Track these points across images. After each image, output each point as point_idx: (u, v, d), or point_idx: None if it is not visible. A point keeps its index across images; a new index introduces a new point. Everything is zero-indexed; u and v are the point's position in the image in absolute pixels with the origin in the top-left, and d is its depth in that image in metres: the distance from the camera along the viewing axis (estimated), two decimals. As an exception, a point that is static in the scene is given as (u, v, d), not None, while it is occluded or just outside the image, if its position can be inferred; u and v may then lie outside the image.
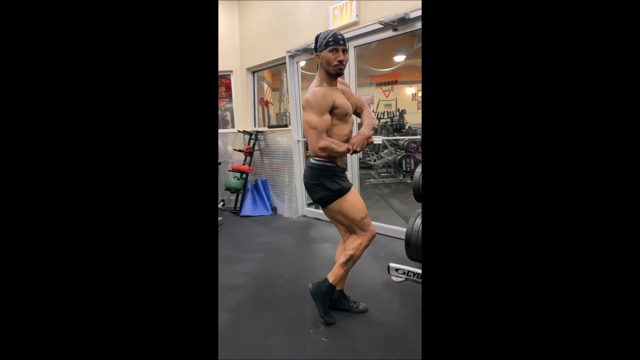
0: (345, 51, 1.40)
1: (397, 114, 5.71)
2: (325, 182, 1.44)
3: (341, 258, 1.54)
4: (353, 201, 1.48)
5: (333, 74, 1.43)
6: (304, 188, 3.51)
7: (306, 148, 3.40)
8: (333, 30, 1.42)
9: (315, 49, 1.44)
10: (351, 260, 1.52)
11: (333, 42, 1.38)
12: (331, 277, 1.54)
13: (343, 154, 1.45)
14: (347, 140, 1.47)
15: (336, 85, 1.48)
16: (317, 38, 1.44)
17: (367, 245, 1.53)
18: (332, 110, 1.41)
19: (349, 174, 3.02)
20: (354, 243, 1.52)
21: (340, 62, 1.39)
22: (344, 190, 1.46)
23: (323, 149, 1.39)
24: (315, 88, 1.42)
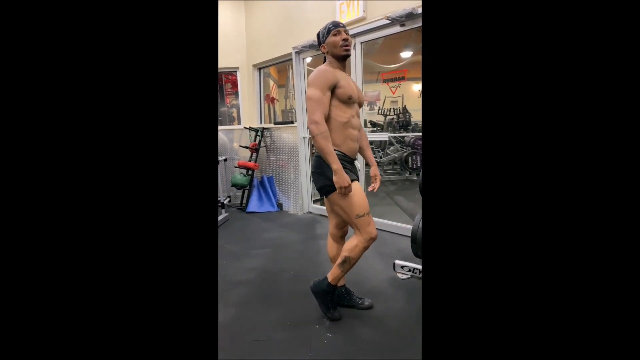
0: (347, 32, 1.43)
1: (403, 110, 5.67)
2: (327, 171, 1.38)
3: (338, 259, 1.50)
4: (354, 195, 1.40)
5: (341, 55, 1.43)
6: (309, 185, 3.53)
7: (312, 145, 3.39)
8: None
9: (319, 43, 1.47)
10: (347, 262, 1.45)
11: (333, 27, 1.42)
12: (330, 276, 1.52)
13: (327, 157, 1.34)
14: (345, 125, 1.41)
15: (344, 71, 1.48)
16: (318, 35, 1.48)
17: (364, 248, 1.43)
18: (334, 90, 1.39)
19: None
20: (350, 244, 1.46)
21: (345, 40, 1.41)
22: None
23: (314, 122, 1.32)
24: (321, 67, 1.42)
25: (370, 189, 1.62)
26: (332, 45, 1.42)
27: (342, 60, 1.45)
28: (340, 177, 1.33)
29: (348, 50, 1.42)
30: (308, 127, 1.39)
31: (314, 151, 1.45)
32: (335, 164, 1.33)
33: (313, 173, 1.47)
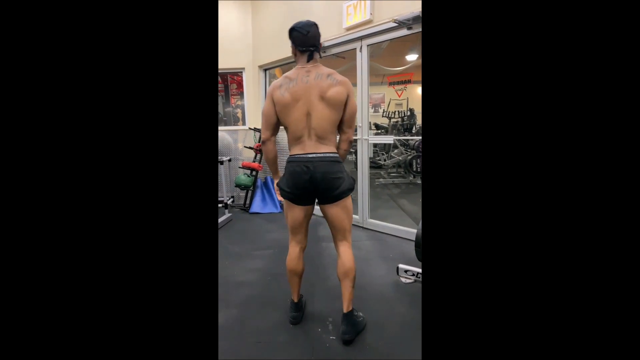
0: None
1: (408, 113, 5.65)
2: (347, 174, 1.40)
3: (349, 282, 1.41)
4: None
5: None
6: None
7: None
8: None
9: (317, 42, 1.37)
10: (355, 278, 1.44)
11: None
12: (351, 304, 1.43)
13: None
14: None
15: None
16: (318, 31, 1.36)
17: None
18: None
19: (359, 173, 3.01)
20: (350, 259, 1.42)
21: None
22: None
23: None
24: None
25: None
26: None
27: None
28: None
29: None
30: (350, 138, 1.44)
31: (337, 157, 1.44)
32: None
33: (334, 179, 1.34)
